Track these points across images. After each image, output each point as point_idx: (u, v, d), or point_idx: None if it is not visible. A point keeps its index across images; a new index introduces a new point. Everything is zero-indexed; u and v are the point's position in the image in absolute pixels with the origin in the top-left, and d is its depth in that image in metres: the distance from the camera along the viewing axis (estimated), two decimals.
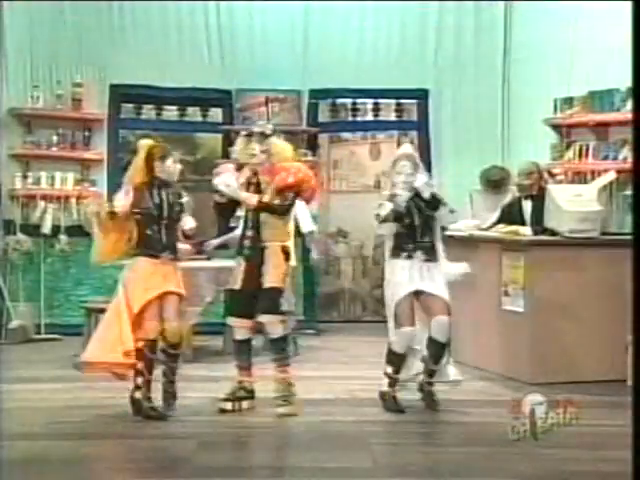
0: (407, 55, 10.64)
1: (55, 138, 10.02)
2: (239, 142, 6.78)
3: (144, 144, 6.65)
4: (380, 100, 10.92)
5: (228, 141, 10.45)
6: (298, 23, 10.64)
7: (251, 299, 6.66)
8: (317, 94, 10.74)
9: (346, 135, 11.62)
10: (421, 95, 10.71)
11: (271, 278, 6.56)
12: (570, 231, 7.66)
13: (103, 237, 6.70)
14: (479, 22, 10.59)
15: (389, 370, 6.68)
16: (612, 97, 9.17)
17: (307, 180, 6.64)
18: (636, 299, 4.79)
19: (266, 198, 6.51)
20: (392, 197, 6.68)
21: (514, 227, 8.04)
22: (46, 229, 9.88)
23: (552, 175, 9.34)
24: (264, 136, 6.58)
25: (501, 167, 9.11)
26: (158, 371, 6.77)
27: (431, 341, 6.68)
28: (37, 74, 9.99)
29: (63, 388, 7.37)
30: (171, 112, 10.61)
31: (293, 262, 7.37)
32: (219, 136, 10.64)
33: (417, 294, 6.67)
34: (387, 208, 6.68)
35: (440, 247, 6.81)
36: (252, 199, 6.53)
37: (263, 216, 6.55)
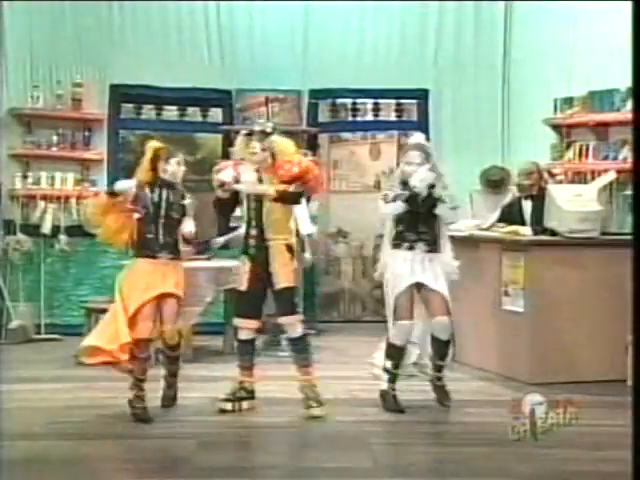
0: (407, 55, 10.64)
1: (55, 138, 10.02)
2: (239, 141, 6.77)
3: (151, 145, 6.71)
4: (380, 100, 10.92)
5: (228, 141, 10.44)
6: (298, 23, 10.64)
7: (257, 299, 6.66)
8: (317, 94, 10.75)
9: (346, 135, 11.61)
10: (421, 95, 10.71)
11: (282, 278, 6.54)
12: (570, 231, 7.66)
13: (103, 218, 6.69)
14: (479, 22, 10.59)
15: (388, 365, 6.68)
16: (612, 97, 9.17)
17: (311, 170, 6.64)
18: (636, 299, 4.79)
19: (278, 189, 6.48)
20: (403, 188, 6.65)
21: (514, 227, 8.04)
22: (46, 229, 9.88)
23: (552, 175, 9.34)
24: (265, 134, 6.57)
25: (501, 167, 9.11)
26: (157, 371, 6.79)
27: (434, 340, 6.75)
28: (37, 74, 9.99)
29: (63, 388, 7.37)
30: (171, 112, 10.61)
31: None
32: (219, 136, 10.64)
33: (418, 286, 6.69)
34: (397, 191, 6.65)
35: (446, 241, 6.81)
36: (270, 189, 6.49)
37: (266, 213, 6.52)
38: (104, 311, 8.38)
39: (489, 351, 7.97)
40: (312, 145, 10.63)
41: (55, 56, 10.05)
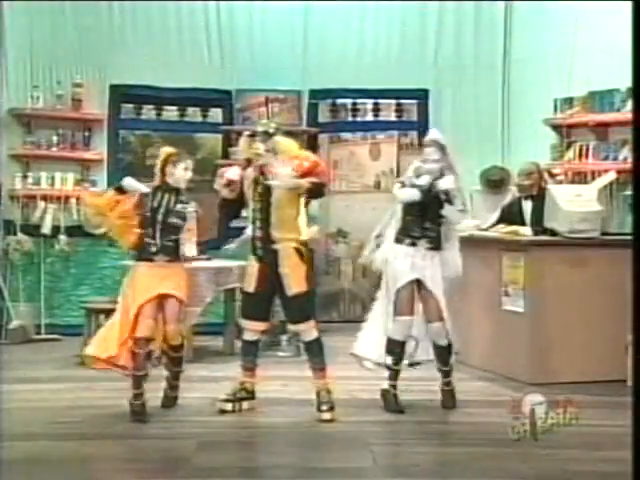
0: (407, 55, 10.64)
1: (55, 138, 10.01)
2: (242, 142, 6.72)
3: (163, 150, 6.82)
4: (380, 100, 10.92)
5: (228, 141, 10.48)
6: (298, 23, 10.64)
7: (265, 301, 6.64)
8: (317, 94, 10.75)
9: (346, 135, 11.60)
10: (421, 95, 10.71)
11: (294, 283, 6.49)
12: (570, 231, 7.66)
13: (106, 216, 6.71)
14: (479, 22, 10.59)
15: (389, 361, 6.69)
16: (612, 97, 9.17)
17: (319, 163, 6.65)
18: (636, 299, 4.79)
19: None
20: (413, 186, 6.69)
21: (514, 227, 8.04)
22: (46, 229, 9.88)
23: (552, 175, 9.34)
24: (267, 135, 6.55)
25: (501, 167, 9.11)
26: (159, 372, 6.80)
27: (433, 345, 6.78)
28: (37, 74, 9.99)
29: (63, 388, 7.38)
30: (171, 112, 10.61)
31: None
32: (219, 136, 10.64)
33: (418, 285, 6.70)
34: (413, 181, 6.69)
35: (455, 242, 6.82)
36: (302, 181, 6.46)
37: (274, 214, 6.48)
38: (104, 311, 8.45)
39: (489, 351, 7.97)
40: (312, 145, 10.62)
41: (55, 56, 10.04)
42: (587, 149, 9.43)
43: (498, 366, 7.87)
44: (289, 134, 6.92)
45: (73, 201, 9.95)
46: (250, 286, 6.61)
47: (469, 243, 7.94)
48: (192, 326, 8.24)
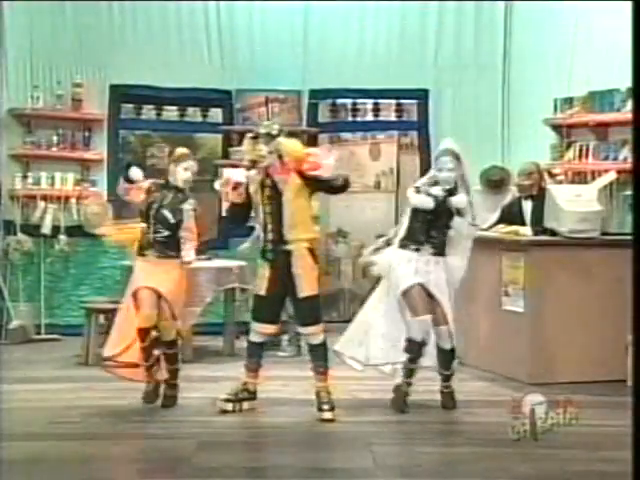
0: (407, 55, 10.63)
1: (55, 138, 10.00)
2: (246, 144, 6.67)
3: (176, 149, 7.00)
4: (380, 100, 10.90)
5: (228, 141, 10.47)
6: (298, 23, 10.63)
7: (276, 304, 6.64)
8: (317, 94, 10.74)
9: (346, 135, 11.60)
10: (421, 95, 10.70)
11: (306, 285, 6.49)
12: (570, 231, 7.67)
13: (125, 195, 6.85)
14: (479, 22, 10.58)
15: (406, 359, 6.69)
16: (612, 97, 9.16)
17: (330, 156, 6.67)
18: (636, 299, 4.79)
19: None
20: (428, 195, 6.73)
21: (514, 227, 8.04)
22: (46, 229, 9.87)
23: (552, 175, 9.33)
24: (270, 137, 6.52)
25: (501, 167, 9.09)
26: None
27: (438, 349, 6.78)
28: (37, 74, 9.97)
29: (63, 388, 7.38)
30: (171, 112, 10.59)
31: None
32: (219, 136, 10.64)
33: (424, 289, 6.73)
34: (429, 189, 6.73)
35: (464, 253, 6.85)
36: (340, 175, 6.49)
37: (289, 214, 6.47)
38: (104, 311, 8.46)
39: (489, 351, 7.97)
40: (312, 145, 10.60)
41: (55, 56, 10.03)
42: (587, 149, 9.42)
43: (498, 366, 7.87)
44: (289, 134, 6.91)
45: (73, 201, 9.95)
46: (261, 289, 6.58)
47: None
48: (192, 326, 8.25)
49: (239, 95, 10.60)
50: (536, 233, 7.90)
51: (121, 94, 10.29)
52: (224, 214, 8.50)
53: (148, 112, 10.55)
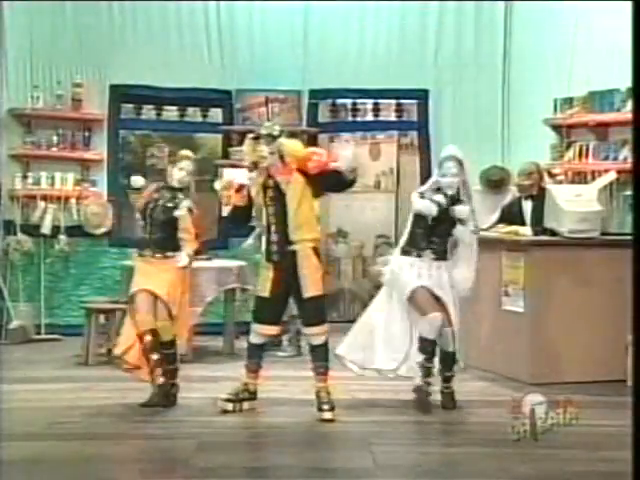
0: (407, 55, 10.63)
1: (55, 138, 10.00)
2: (247, 145, 6.66)
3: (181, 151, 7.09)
4: (380, 100, 10.90)
5: (228, 141, 10.47)
6: (298, 23, 10.63)
7: (279, 306, 6.64)
8: (317, 94, 10.74)
9: (346, 135, 11.60)
10: (421, 95, 10.70)
11: (311, 285, 6.49)
12: (570, 231, 7.67)
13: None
14: (479, 22, 10.58)
15: (420, 359, 6.70)
16: (612, 97, 9.16)
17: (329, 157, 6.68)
18: (636, 299, 4.79)
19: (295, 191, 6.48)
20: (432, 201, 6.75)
21: (514, 227, 8.05)
22: (46, 229, 9.87)
23: (552, 175, 9.33)
24: (272, 138, 6.52)
25: (501, 167, 9.10)
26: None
27: (440, 351, 6.79)
28: (37, 74, 9.97)
29: (63, 388, 7.38)
30: (171, 112, 10.59)
31: None
32: (219, 136, 10.63)
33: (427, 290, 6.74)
34: (432, 196, 6.75)
35: (470, 261, 6.86)
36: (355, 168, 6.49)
37: (293, 214, 6.46)
38: (104, 311, 8.47)
39: (489, 351, 7.97)
40: (312, 145, 10.61)
41: (55, 56, 10.03)
42: (587, 149, 9.42)
43: (498, 366, 7.87)
44: (289, 134, 6.91)
45: (73, 201, 9.95)
46: (265, 291, 6.56)
47: None
48: (192, 326, 8.24)
49: (239, 95, 10.60)
50: (536, 233, 7.90)
51: (121, 94, 10.29)
52: (225, 215, 8.50)
53: (148, 112, 10.54)
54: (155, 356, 6.60)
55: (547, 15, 9.91)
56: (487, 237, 8.09)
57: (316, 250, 6.58)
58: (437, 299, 6.73)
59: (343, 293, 11.39)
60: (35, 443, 5.89)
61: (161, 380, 6.62)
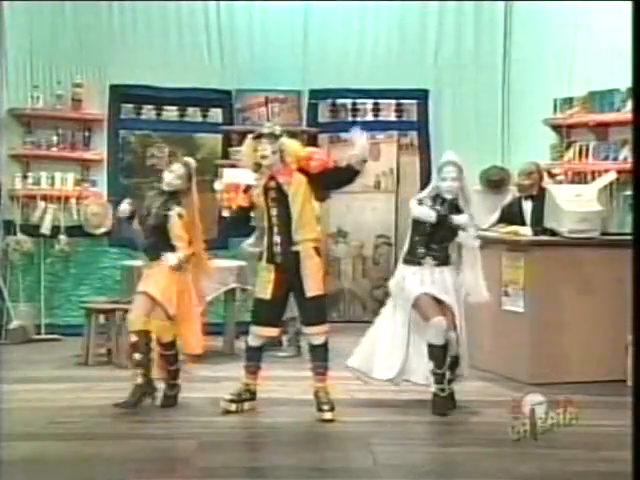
0: (407, 55, 10.63)
1: (55, 138, 10.00)
2: (247, 144, 6.63)
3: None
4: (380, 100, 10.90)
5: (228, 141, 10.47)
6: (298, 23, 10.63)
7: (279, 307, 6.63)
8: (317, 94, 10.74)
9: (346, 135, 11.58)
10: (421, 95, 10.70)
11: (313, 285, 6.49)
12: (570, 231, 7.67)
13: None
14: (479, 22, 10.58)
15: (431, 366, 6.69)
16: (612, 97, 9.16)
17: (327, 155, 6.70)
18: (636, 299, 4.79)
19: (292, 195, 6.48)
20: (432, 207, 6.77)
21: (514, 227, 8.05)
22: (45, 229, 9.87)
23: (552, 175, 9.34)
24: (274, 137, 6.52)
25: (501, 167, 9.10)
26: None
27: None
28: (37, 74, 9.97)
29: (63, 388, 7.38)
30: (171, 112, 10.59)
31: None
32: (219, 136, 10.63)
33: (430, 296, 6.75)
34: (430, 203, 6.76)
35: (475, 268, 6.85)
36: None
37: (297, 214, 6.45)
38: (104, 311, 8.46)
39: (489, 351, 7.97)
40: (312, 145, 10.61)
41: (55, 56, 10.03)
42: (587, 149, 9.42)
43: (498, 366, 7.87)
44: (289, 134, 6.91)
45: (73, 201, 9.94)
46: (266, 293, 6.54)
47: None
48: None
49: (239, 95, 10.60)
50: (536, 233, 7.91)
51: (121, 94, 10.29)
52: (226, 216, 8.50)
53: (148, 112, 10.55)
54: (138, 356, 6.60)
55: (547, 15, 9.91)
56: (487, 237, 8.10)
57: (317, 250, 6.58)
58: (441, 303, 6.72)
59: (343, 293, 11.39)
60: (35, 443, 5.89)
61: (140, 381, 6.61)
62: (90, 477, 5.38)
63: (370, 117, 11.03)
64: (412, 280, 6.76)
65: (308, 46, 10.62)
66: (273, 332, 6.72)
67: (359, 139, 6.49)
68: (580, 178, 9.40)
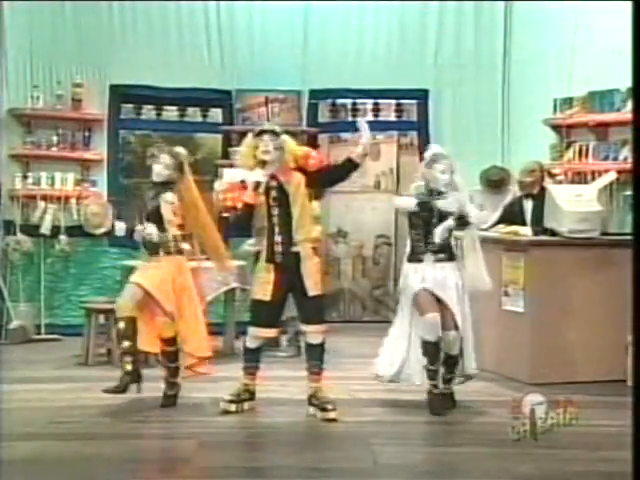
0: (407, 55, 10.63)
1: (55, 138, 10.00)
2: (248, 142, 6.63)
3: None
4: (380, 100, 10.90)
5: (228, 141, 10.47)
6: (298, 23, 10.63)
7: (278, 308, 6.63)
8: (317, 94, 10.74)
9: (346, 135, 11.58)
10: (421, 95, 10.70)
11: (313, 284, 6.50)
12: (570, 231, 7.67)
13: None
14: (479, 22, 10.58)
15: (424, 362, 6.70)
16: (612, 97, 9.16)
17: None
18: (636, 299, 4.79)
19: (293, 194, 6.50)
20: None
21: (514, 227, 8.05)
22: (45, 229, 9.87)
23: (552, 175, 9.34)
24: (275, 134, 6.52)
25: (501, 167, 9.11)
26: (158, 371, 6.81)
27: (445, 355, 6.78)
28: (37, 74, 9.97)
29: (63, 388, 7.38)
30: (171, 112, 10.60)
31: None
32: (219, 136, 10.64)
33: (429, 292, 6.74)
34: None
35: (476, 257, 6.84)
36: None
37: (297, 215, 6.47)
38: (104, 311, 8.45)
39: (489, 351, 7.96)
40: (312, 145, 10.60)
41: (55, 56, 10.03)
42: (587, 149, 9.43)
43: (498, 366, 7.87)
44: (289, 134, 6.91)
45: (73, 201, 9.94)
46: (266, 294, 6.53)
47: None
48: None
49: (239, 95, 10.60)
50: (536, 233, 7.91)
51: (121, 94, 10.29)
52: (228, 216, 8.48)
53: (148, 112, 10.55)
54: (126, 343, 6.61)
55: (547, 15, 9.91)
56: (487, 237, 8.10)
57: (315, 250, 6.60)
58: (440, 301, 6.72)
59: (343, 293, 11.40)
60: (35, 443, 5.89)
61: (128, 368, 6.62)
62: (90, 477, 5.38)
63: (370, 117, 11.01)
64: (414, 277, 6.76)
65: (308, 46, 10.62)
66: (271, 333, 6.72)
67: (365, 130, 6.53)
68: (580, 178, 9.40)
